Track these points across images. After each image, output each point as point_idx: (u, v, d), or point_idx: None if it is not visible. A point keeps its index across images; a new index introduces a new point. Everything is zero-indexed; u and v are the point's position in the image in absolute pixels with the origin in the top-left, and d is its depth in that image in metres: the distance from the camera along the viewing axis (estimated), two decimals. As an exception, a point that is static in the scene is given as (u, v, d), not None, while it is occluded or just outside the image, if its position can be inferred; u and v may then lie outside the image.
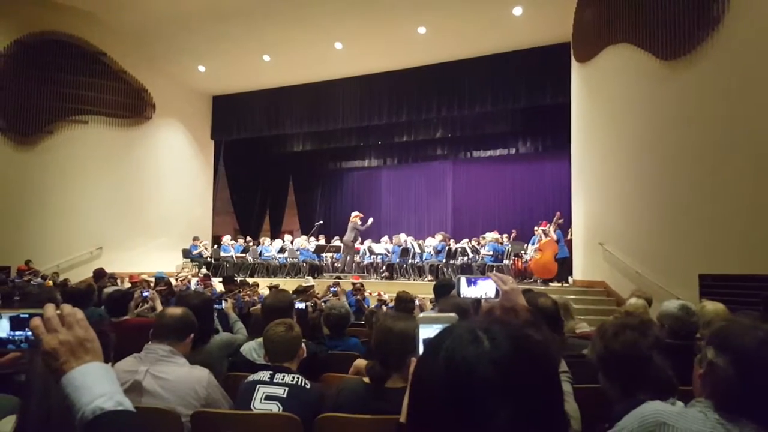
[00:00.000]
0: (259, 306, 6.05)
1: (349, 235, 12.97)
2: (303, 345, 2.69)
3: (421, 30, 11.99)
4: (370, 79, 14.18)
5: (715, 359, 1.34)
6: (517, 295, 1.58)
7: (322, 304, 4.44)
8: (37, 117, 12.56)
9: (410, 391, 0.73)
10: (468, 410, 0.62)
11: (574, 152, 10.96)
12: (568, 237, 11.35)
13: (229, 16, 11.79)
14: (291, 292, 5.24)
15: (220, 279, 9.85)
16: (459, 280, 1.88)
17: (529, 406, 0.63)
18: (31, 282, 9.10)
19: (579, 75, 10.71)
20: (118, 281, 9.33)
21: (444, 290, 4.37)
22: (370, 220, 13.39)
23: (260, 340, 3.10)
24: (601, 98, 9.73)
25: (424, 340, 1.06)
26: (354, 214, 13.25)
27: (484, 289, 1.74)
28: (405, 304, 4.81)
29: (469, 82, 13.06)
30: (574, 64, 10.93)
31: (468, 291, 1.81)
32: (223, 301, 4.20)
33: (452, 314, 1.20)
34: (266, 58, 13.67)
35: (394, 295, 5.26)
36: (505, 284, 1.60)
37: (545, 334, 0.71)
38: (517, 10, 11.07)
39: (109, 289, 5.39)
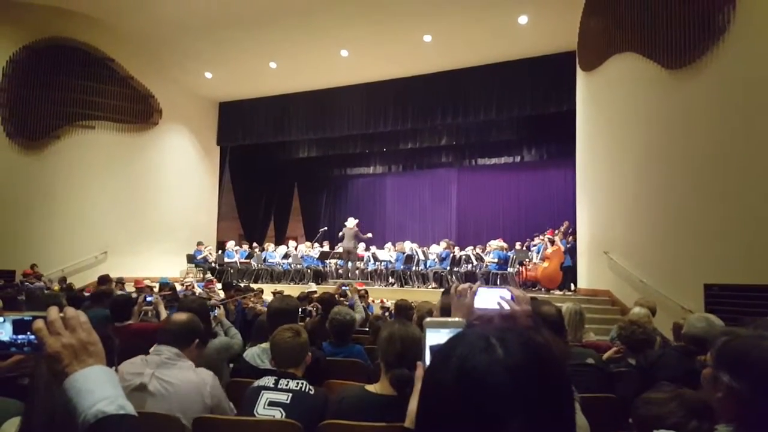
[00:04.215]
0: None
1: (348, 243, 12.68)
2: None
3: (427, 38, 12.03)
4: (375, 86, 14.22)
5: (731, 383, 1.25)
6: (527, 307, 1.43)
7: (319, 307, 4.41)
8: (44, 122, 12.65)
9: (420, 397, 0.72)
10: (480, 418, 0.61)
11: (579, 161, 10.93)
12: (570, 245, 11.30)
13: (236, 23, 11.86)
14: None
15: (220, 287, 9.80)
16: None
17: (542, 415, 0.62)
18: (31, 285, 9.12)
19: (584, 83, 10.71)
20: (125, 286, 9.32)
21: None
22: (369, 234, 13.13)
23: (263, 345, 3.11)
24: (606, 107, 9.71)
25: (431, 346, 1.02)
26: (351, 221, 12.93)
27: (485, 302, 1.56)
28: (405, 312, 4.77)
29: (475, 90, 13.07)
30: (579, 72, 10.92)
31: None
32: (216, 309, 4.14)
33: (459, 319, 1.18)
34: (272, 64, 13.74)
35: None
36: (519, 305, 1.41)
37: (548, 341, 0.71)
38: (523, 19, 11.10)
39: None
